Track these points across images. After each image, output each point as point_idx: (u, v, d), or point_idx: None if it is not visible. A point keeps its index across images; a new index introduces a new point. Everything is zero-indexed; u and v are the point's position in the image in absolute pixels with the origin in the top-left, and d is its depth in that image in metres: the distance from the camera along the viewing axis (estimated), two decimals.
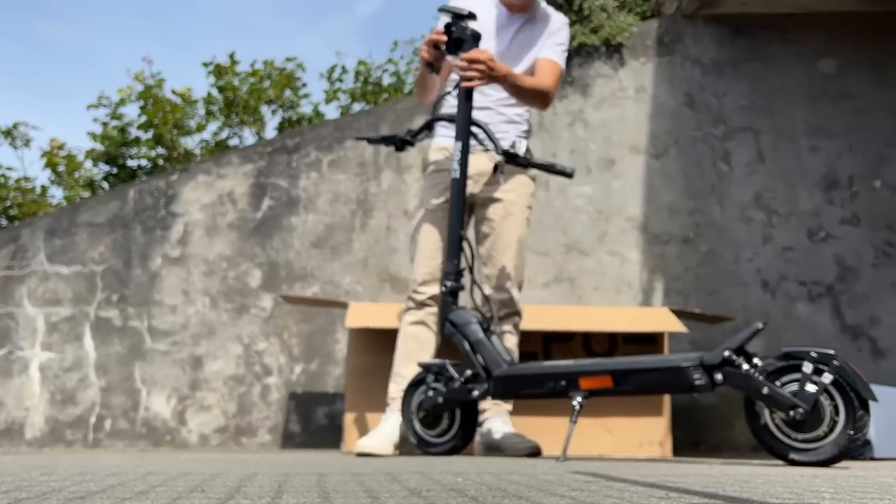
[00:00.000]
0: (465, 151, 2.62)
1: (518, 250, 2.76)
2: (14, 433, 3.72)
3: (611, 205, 4.00)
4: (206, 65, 6.17)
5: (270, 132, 6.39)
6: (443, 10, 2.69)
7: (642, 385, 2.27)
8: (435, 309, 2.73)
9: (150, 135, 6.08)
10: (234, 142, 6.39)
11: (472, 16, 2.64)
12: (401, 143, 2.81)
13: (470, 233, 2.83)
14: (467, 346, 2.50)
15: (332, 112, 10.71)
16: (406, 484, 1.30)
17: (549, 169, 2.71)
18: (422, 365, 2.63)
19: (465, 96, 2.64)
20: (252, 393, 3.79)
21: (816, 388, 1.96)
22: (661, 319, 3.25)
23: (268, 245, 3.91)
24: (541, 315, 3.36)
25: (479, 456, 2.70)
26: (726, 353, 2.11)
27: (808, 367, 1.99)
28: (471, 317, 2.54)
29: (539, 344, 3.27)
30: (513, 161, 2.67)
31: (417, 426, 2.64)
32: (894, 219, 4.03)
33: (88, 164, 6.30)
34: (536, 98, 2.76)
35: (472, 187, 2.77)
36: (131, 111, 10.79)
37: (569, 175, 2.71)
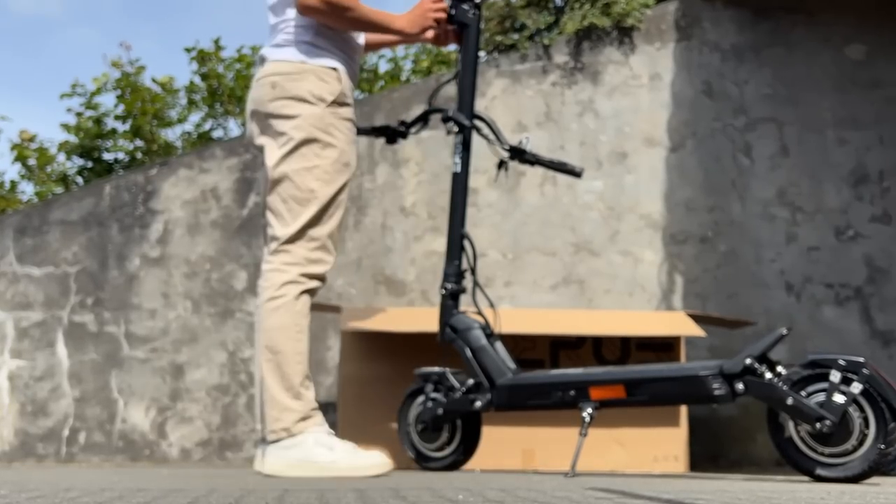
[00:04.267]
0: (468, 143, 2.63)
1: None
2: None
3: (623, 201, 4.00)
4: (188, 50, 6.18)
5: None
6: None
7: (657, 395, 2.28)
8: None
9: (127, 126, 6.08)
10: (217, 133, 6.39)
11: None
12: (393, 135, 2.81)
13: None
14: (469, 352, 2.50)
15: None
16: (408, 498, 1.30)
17: (557, 167, 2.72)
18: (420, 373, 2.63)
19: (470, 86, 2.65)
20: (237, 404, 3.79)
21: (845, 398, 1.97)
22: (677, 324, 3.25)
23: (254, 245, 3.91)
24: (548, 319, 3.36)
25: None
26: (748, 361, 2.11)
27: (835, 376, 1.99)
28: (472, 322, 2.55)
29: (546, 351, 3.27)
30: (519, 157, 2.68)
31: (415, 439, 2.65)
32: None
33: (61, 157, 6.29)
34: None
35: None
36: (108, 101, 10.77)
37: (577, 174, 2.73)
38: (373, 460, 2.31)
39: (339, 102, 2.46)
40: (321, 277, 2.45)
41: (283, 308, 2.39)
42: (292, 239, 2.41)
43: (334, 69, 2.47)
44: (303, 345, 2.40)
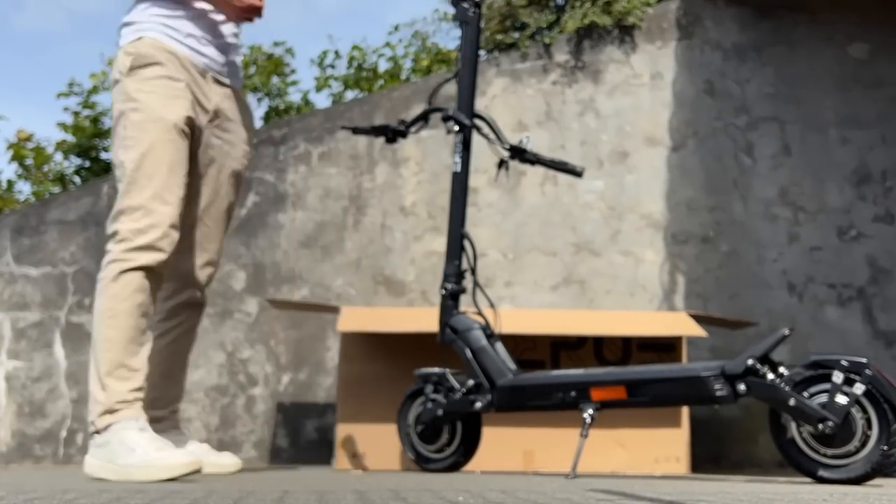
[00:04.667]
0: (468, 142, 2.63)
1: None
2: None
3: (624, 201, 4.01)
4: None
5: (256, 122, 6.39)
6: None
7: (659, 396, 2.28)
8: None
9: None
10: None
11: None
12: (392, 134, 2.82)
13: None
14: (469, 353, 2.50)
15: (322, 101, 10.71)
16: (408, 500, 1.31)
17: (557, 167, 2.72)
18: (420, 374, 2.64)
19: (470, 85, 2.65)
20: (236, 405, 3.79)
21: (847, 399, 1.97)
22: (678, 324, 3.25)
23: (253, 244, 3.91)
24: (549, 320, 3.36)
25: None
26: (750, 362, 2.12)
27: (838, 377, 1.99)
28: (473, 322, 2.55)
29: (547, 351, 3.27)
30: (519, 156, 2.68)
31: (415, 440, 2.65)
32: None
33: (59, 156, 6.30)
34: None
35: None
36: (105, 100, 10.74)
37: (578, 174, 2.73)
38: (173, 460, 2.02)
39: (139, 66, 2.30)
40: (154, 247, 2.22)
41: (101, 292, 2.22)
42: (115, 217, 2.25)
43: (139, 38, 2.34)
44: (115, 331, 2.17)
